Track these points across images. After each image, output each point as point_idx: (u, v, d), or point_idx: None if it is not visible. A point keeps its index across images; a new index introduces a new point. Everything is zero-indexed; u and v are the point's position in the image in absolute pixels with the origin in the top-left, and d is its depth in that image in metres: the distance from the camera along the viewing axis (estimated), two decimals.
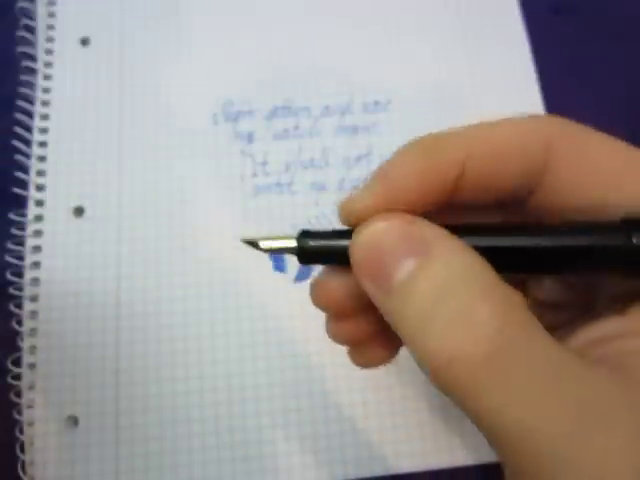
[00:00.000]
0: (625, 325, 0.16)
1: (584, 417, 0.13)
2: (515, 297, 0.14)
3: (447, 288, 0.14)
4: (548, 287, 0.19)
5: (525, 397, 0.13)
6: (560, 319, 0.18)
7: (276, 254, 0.17)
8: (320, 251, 0.17)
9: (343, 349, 0.20)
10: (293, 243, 0.17)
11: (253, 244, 0.17)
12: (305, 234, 0.17)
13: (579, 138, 0.16)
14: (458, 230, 0.16)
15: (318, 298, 0.18)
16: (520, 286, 0.20)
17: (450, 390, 0.14)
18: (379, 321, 0.18)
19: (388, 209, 0.16)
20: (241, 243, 0.18)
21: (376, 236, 0.15)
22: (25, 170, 0.32)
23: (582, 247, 0.15)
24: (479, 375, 0.13)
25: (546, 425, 0.13)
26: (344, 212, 0.16)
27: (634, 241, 0.15)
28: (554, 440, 0.13)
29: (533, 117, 0.17)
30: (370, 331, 0.19)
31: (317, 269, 0.32)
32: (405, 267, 0.14)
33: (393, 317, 0.15)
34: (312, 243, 0.17)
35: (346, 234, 0.16)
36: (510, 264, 0.16)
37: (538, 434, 0.13)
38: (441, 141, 0.17)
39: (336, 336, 0.19)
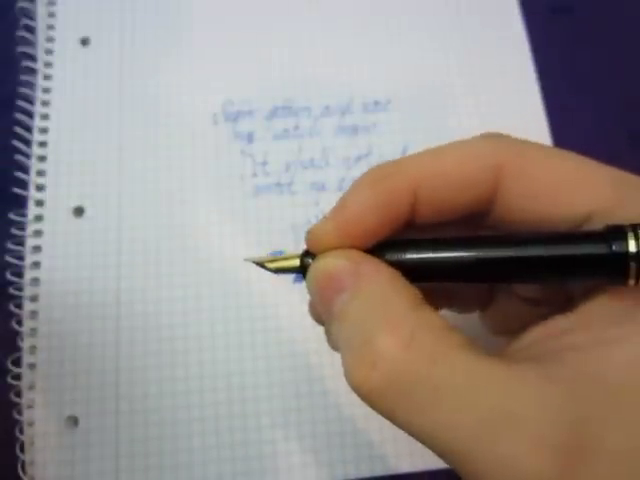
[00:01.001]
0: (574, 320, 0.16)
1: (490, 424, 0.14)
2: (430, 320, 0.15)
3: (359, 320, 0.16)
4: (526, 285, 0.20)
5: (430, 412, 0.14)
6: (540, 314, 0.18)
7: (283, 273, 0.19)
8: None
9: None
10: (296, 263, 0.18)
11: (260, 265, 0.19)
12: (307, 254, 0.18)
13: (525, 156, 0.17)
14: (417, 245, 0.17)
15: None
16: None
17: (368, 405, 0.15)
18: None
19: (343, 240, 0.17)
20: (248, 261, 0.19)
21: (322, 270, 0.17)
22: (25, 170, 0.32)
23: (563, 257, 0.16)
24: (383, 398, 0.15)
25: (454, 432, 0.14)
26: (309, 241, 0.18)
27: (614, 248, 0.15)
28: (467, 446, 0.14)
29: (482, 140, 0.18)
30: None
31: None
32: (340, 300, 0.16)
33: (336, 340, 0.17)
34: (313, 261, 0.18)
35: None
36: (486, 275, 0.17)
37: (445, 439, 0.14)
38: (390, 172, 0.18)
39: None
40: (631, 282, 0.15)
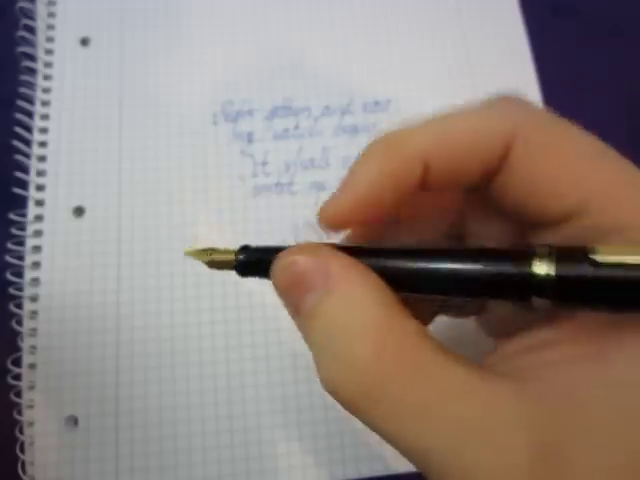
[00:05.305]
0: (557, 332, 0.16)
1: (457, 435, 0.14)
2: (403, 326, 0.15)
3: (336, 324, 0.15)
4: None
5: (398, 420, 0.14)
6: (533, 317, 0.18)
7: (217, 269, 0.19)
8: (255, 266, 0.18)
9: None
10: (231, 257, 0.18)
11: (197, 258, 0.18)
12: (244, 250, 0.18)
13: (536, 134, 0.16)
14: (374, 253, 0.17)
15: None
16: None
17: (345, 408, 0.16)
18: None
19: (357, 215, 0.17)
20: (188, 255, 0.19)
21: (288, 268, 0.17)
22: (25, 170, 0.32)
23: (481, 274, 0.15)
24: (357, 401, 0.15)
25: (423, 441, 0.14)
26: (320, 220, 0.18)
27: (516, 270, 0.15)
28: (435, 454, 0.14)
29: (496, 107, 0.17)
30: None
31: None
32: (309, 299, 0.16)
33: (304, 337, 0.17)
34: (247, 258, 0.18)
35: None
36: (421, 287, 0.17)
37: (414, 447, 0.14)
38: (403, 140, 0.17)
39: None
40: (535, 302, 0.15)
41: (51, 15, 0.36)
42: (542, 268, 0.14)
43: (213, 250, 0.18)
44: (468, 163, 0.17)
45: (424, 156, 0.17)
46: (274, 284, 0.17)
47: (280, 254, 0.17)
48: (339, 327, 0.15)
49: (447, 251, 0.16)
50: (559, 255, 0.15)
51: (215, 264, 0.18)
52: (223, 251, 0.18)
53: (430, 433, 0.14)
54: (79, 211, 0.32)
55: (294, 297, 0.16)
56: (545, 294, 0.15)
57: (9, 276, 0.30)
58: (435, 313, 0.22)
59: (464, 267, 0.16)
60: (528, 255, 0.15)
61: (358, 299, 0.15)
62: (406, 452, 0.15)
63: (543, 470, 0.13)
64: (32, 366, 0.29)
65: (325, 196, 0.20)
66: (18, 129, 0.33)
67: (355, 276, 0.16)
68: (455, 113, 0.17)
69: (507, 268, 0.15)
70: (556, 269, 0.14)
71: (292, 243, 0.20)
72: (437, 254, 0.16)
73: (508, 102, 0.18)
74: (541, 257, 0.15)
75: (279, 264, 0.17)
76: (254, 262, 0.18)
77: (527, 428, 0.14)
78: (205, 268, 0.19)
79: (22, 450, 0.28)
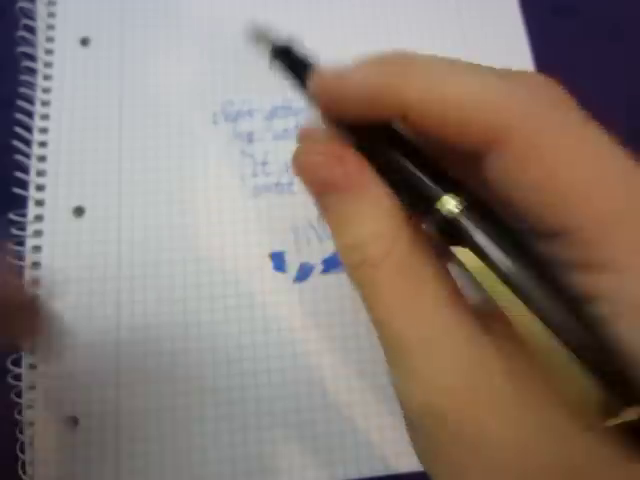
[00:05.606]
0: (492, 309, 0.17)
1: (418, 344, 0.15)
2: (407, 236, 0.17)
3: (349, 221, 0.17)
4: None
5: (384, 316, 0.16)
6: None
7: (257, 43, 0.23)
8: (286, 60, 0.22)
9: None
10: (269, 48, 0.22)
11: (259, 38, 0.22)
12: (281, 52, 0.22)
13: (552, 137, 0.15)
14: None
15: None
16: None
17: (359, 289, 0.17)
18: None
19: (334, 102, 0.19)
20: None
21: (313, 164, 0.18)
22: (25, 170, 0.32)
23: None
24: (361, 282, 0.17)
25: (411, 330, 0.16)
26: (312, 82, 0.20)
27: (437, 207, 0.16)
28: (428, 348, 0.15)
29: (501, 87, 0.16)
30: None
31: (317, 271, 0.32)
32: (332, 196, 0.18)
33: (323, 216, 0.18)
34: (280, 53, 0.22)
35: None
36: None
37: (406, 334, 0.16)
38: (390, 83, 0.18)
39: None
40: (426, 226, 0.17)
41: (51, 15, 0.36)
42: (449, 203, 0.16)
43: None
44: (447, 135, 0.16)
45: (402, 106, 0.17)
46: (297, 169, 0.19)
47: (306, 151, 0.19)
48: (356, 226, 0.17)
49: (413, 149, 0.18)
50: (468, 206, 0.16)
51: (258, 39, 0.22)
52: (271, 39, 0.22)
53: (406, 326, 0.16)
54: (79, 211, 0.32)
55: (318, 187, 0.18)
56: (436, 225, 0.16)
57: None
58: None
59: (407, 167, 0.17)
60: (450, 187, 0.16)
61: (373, 208, 0.17)
62: (382, 336, 0.16)
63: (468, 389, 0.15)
64: (32, 366, 0.29)
65: None
66: (18, 129, 0.33)
67: (377, 188, 0.17)
68: (460, 73, 0.17)
69: (432, 187, 0.16)
70: (454, 214, 0.16)
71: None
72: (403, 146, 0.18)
73: (529, 83, 0.16)
74: (458, 199, 0.16)
75: (301, 158, 0.19)
76: (287, 61, 0.22)
77: (465, 350, 0.15)
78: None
79: (22, 450, 0.28)
